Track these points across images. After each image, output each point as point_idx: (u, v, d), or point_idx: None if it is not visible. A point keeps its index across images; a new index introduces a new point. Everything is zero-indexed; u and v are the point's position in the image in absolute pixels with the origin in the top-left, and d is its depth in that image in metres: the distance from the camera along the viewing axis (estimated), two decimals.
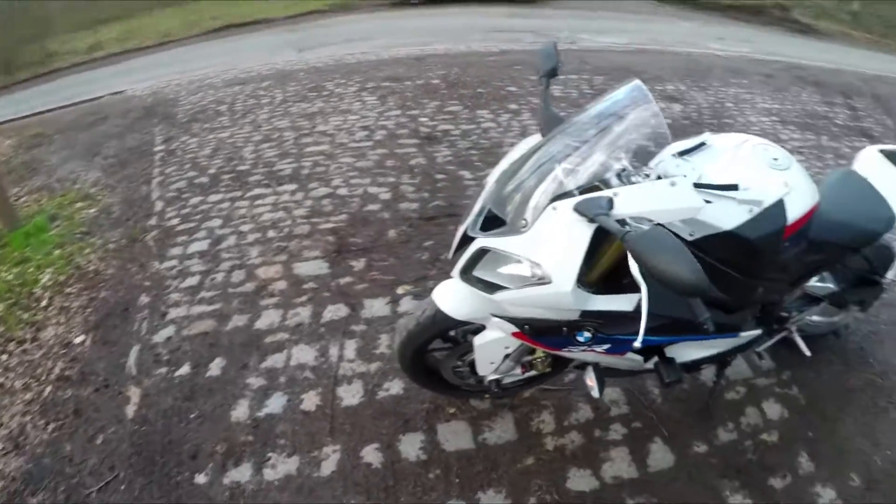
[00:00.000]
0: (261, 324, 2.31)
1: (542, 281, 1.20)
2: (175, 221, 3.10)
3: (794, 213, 1.38)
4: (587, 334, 1.33)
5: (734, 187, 1.32)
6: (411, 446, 1.80)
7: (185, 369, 2.11)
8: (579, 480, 1.73)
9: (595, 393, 1.50)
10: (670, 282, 0.89)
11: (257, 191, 3.35)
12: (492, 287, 1.28)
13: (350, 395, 1.98)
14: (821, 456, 1.91)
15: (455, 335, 1.67)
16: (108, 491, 1.71)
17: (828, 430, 2.02)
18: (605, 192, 1.15)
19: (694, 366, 1.61)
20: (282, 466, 1.75)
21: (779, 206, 1.36)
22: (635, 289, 1.25)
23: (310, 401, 1.96)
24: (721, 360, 1.72)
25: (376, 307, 2.38)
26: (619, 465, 1.79)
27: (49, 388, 2.11)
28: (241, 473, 1.73)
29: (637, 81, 1.33)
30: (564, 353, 1.47)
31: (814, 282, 1.84)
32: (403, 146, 3.88)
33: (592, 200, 1.14)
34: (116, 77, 7.07)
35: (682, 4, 12.74)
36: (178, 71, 6.53)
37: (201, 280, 2.59)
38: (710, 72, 6.57)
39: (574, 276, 1.17)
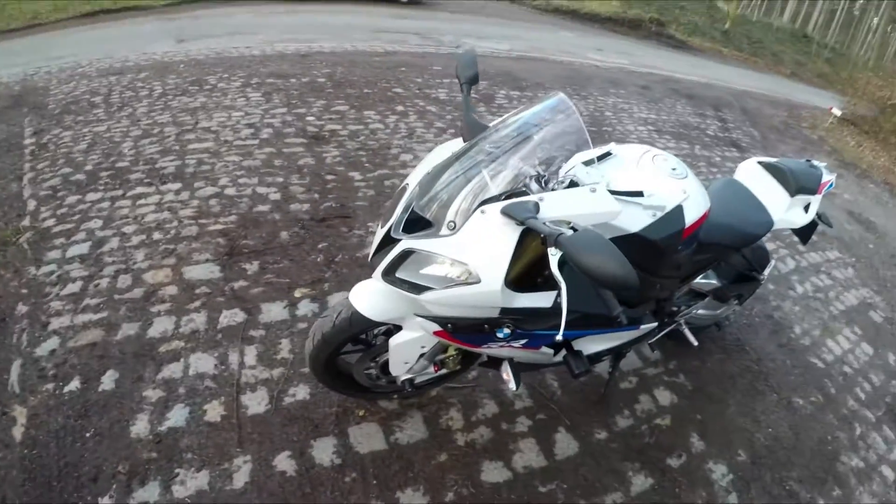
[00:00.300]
0: (153, 332, 2.15)
1: (470, 281, 1.23)
2: (51, 222, 2.80)
3: (690, 217, 1.53)
4: (507, 331, 1.38)
5: (640, 194, 1.45)
6: (324, 451, 1.76)
7: (74, 384, 1.91)
8: (492, 472, 1.79)
9: (513, 386, 1.56)
10: (603, 278, 0.95)
11: (139, 189, 3.11)
12: (417, 288, 1.29)
13: (255, 402, 1.90)
14: (710, 435, 2.12)
15: (367, 337, 1.66)
16: None
17: (714, 412, 2.24)
18: (531, 197, 1.21)
19: (597, 357, 1.72)
20: (192, 482, 1.64)
21: (678, 210, 1.51)
22: (551, 287, 1.33)
23: (214, 411, 1.85)
24: (619, 352, 1.86)
25: (274, 311, 2.30)
26: (528, 455, 1.87)
27: None
28: (149, 493, 1.60)
29: (561, 95, 1.41)
30: (483, 350, 1.52)
31: (700, 279, 2.04)
32: (291, 145, 3.79)
33: (520, 204, 1.19)
34: None
35: (562, 15, 13.45)
36: (48, 57, 5.86)
37: (84, 286, 2.36)
38: (590, 81, 6.97)
39: (503, 275, 1.22)
